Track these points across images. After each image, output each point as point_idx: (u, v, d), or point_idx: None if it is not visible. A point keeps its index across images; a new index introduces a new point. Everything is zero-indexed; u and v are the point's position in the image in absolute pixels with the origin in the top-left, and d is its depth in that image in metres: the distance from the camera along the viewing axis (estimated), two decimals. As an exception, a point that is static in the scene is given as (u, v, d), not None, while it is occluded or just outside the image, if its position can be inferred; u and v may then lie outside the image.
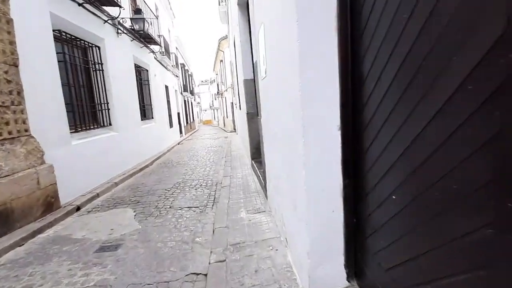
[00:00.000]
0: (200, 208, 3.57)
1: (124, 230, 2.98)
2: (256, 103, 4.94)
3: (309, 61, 1.36)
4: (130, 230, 2.97)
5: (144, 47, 8.29)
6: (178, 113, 15.26)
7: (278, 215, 2.48)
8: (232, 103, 17.04)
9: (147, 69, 8.84)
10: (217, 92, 26.93)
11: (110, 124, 5.69)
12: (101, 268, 2.19)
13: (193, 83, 29.37)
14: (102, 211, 3.70)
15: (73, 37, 4.69)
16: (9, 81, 3.16)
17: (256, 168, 4.49)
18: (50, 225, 3.28)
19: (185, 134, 17.01)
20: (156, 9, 11.73)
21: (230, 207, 3.32)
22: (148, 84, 8.88)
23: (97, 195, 4.39)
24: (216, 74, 28.04)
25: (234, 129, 17.91)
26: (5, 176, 2.95)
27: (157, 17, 9.17)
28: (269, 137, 2.65)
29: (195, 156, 8.00)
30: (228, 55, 15.89)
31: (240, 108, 7.74)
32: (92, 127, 5.06)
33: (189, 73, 24.74)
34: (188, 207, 3.61)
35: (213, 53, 23.54)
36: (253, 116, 5.10)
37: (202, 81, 46.12)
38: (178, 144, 12.04)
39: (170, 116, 12.36)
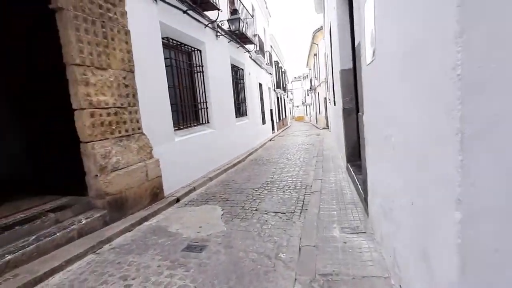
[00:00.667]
0: (286, 215, 3.25)
1: (211, 230, 2.97)
2: (356, 97, 4.22)
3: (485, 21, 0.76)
4: (216, 231, 2.93)
5: (240, 47, 8.59)
6: (271, 110, 15.51)
7: (387, 246, 1.88)
8: (326, 98, 16.08)
9: (243, 68, 9.17)
10: (310, 88, 26.18)
11: (208, 122, 6.08)
12: (184, 271, 2.16)
13: (286, 79, 29.55)
14: (196, 206, 3.89)
15: (178, 43, 5.16)
16: (126, 86, 3.64)
17: (353, 174, 3.83)
18: (155, 213, 3.64)
19: (277, 131, 17.20)
20: (253, 9, 12.10)
21: (320, 219, 2.86)
22: (243, 83, 9.22)
23: (194, 189, 4.71)
24: (309, 69, 27.28)
25: (327, 126, 16.91)
26: (121, 169, 3.41)
27: (252, 17, 9.40)
28: (377, 141, 2.04)
29: (285, 154, 7.80)
30: (323, 47, 15.01)
31: (334, 103, 7.02)
32: (192, 124, 5.51)
33: (283, 70, 24.93)
34: (274, 212, 3.35)
35: (307, 49, 22.91)
36: (351, 112, 4.40)
37: (295, 77, 46.02)
38: (270, 140, 12.19)
39: (263, 113, 12.64)
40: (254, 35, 11.39)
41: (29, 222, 2.75)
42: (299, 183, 4.62)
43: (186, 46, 5.45)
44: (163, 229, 3.13)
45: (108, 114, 3.31)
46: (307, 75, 33.89)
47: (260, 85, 12.57)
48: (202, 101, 5.94)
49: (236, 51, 8.25)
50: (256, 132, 10.22)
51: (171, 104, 4.68)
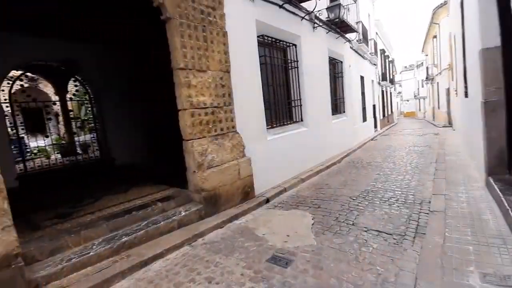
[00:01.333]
0: (394, 237, 2.61)
1: (299, 241, 2.68)
2: (507, 86, 3.04)
3: None
4: (305, 243, 2.62)
5: (340, 38, 7.84)
6: (374, 106, 13.79)
7: None
8: (449, 89, 13.01)
9: (342, 60, 8.37)
10: (426, 77, 22.01)
11: (302, 120, 5.78)
12: None
13: (394, 70, 25.80)
14: (285, 209, 3.68)
15: (273, 39, 5.04)
16: (223, 86, 3.76)
17: (499, 193, 2.74)
18: (245, 213, 3.64)
19: (381, 129, 15.19)
20: (356, -6, 10.91)
21: (446, 254, 2.12)
22: (342, 77, 8.41)
23: (285, 190, 4.53)
24: (426, 55, 22.88)
25: (449, 123, 13.76)
26: (216, 166, 3.54)
27: (355, 1, 8.42)
28: None
29: (391, 157, 6.65)
30: (446, 26, 12.15)
31: (466, 95, 5.45)
32: (285, 123, 5.33)
33: (390, 59, 21.83)
34: (377, 232, 2.76)
35: (423, 32, 19.22)
36: (497, 107, 3.20)
37: (405, 67, 39.79)
38: (372, 140, 10.82)
39: (364, 109, 11.35)
40: (357, 23, 10.27)
41: (143, 209, 3.19)
42: (410, 196, 3.74)
43: (281, 42, 5.29)
44: (250, 231, 3.06)
45: (206, 114, 3.47)
46: (422, 63, 28.67)
47: (362, 78, 11.28)
48: (296, 98, 5.68)
49: (334, 42, 7.57)
50: (354, 130, 9.21)
51: (264, 102, 4.62)
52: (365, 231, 2.80)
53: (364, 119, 11.36)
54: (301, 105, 5.74)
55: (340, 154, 7.34)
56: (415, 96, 35.22)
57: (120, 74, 6.22)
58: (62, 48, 5.47)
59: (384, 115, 18.54)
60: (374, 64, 14.22)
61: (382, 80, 17.35)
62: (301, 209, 3.61)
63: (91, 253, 2.43)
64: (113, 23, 4.60)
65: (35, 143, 8.27)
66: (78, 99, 7.39)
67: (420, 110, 32.20)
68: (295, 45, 5.61)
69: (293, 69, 5.63)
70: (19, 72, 6.18)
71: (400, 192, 3.91)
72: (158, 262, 2.51)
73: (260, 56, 4.58)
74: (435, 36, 16.78)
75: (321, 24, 6.39)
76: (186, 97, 3.25)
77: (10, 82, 5.74)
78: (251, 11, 4.29)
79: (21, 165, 5.82)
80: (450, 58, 10.69)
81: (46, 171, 5.98)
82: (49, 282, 2.17)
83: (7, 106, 5.49)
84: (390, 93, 23.30)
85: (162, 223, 2.98)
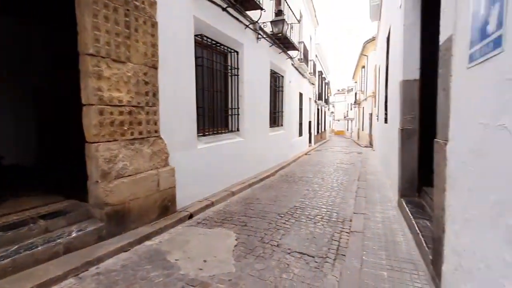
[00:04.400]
0: (316, 260, 2.49)
1: (217, 268, 2.34)
2: (421, 115, 3.32)
3: None
4: (222, 271, 2.30)
5: (282, 53, 8.02)
6: (310, 122, 14.63)
7: None
8: (371, 114, 14.72)
9: (283, 75, 8.57)
10: (354, 102, 24.65)
11: (238, 130, 5.55)
12: None
13: (328, 91, 28.28)
14: (208, 227, 3.31)
15: (214, 42, 4.74)
16: (146, 83, 3.24)
17: (410, 216, 2.91)
18: (160, 231, 3.13)
19: (314, 144, 16.19)
20: (301, 15, 11.52)
21: (363, 281, 2.06)
22: (282, 91, 8.60)
23: (212, 204, 4.16)
24: (355, 82, 25.75)
25: (370, 144, 15.47)
26: (128, 176, 2.98)
27: (299, 22, 8.80)
28: (484, 191, 1.24)
29: (321, 173, 6.93)
30: (373, 59, 13.81)
31: (385, 121, 6.03)
32: (220, 131, 5.01)
33: (326, 81, 23.84)
34: (300, 254, 2.62)
35: (354, 61, 21.62)
36: (411, 134, 3.49)
37: (338, 90, 44.23)
38: (306, 154, 11.33)
39: (300, 124, 11.87)
40: (299, 42, 10.78)
41: (15, 228, 2.41)
42: (334, 213, 3.80)
43: (222, 47, 5.02)
44: (162, 255, 2.59)
45: (121, 113, 2.91)
46: (352, 88, 32.18)
47: (301, 94, 11.84)
48: (234, 106, 5.44)
49: (277, 56, 7.69)
50: (290, 144, 9.48)
51: (198, 107, 4.24)
52: (289, 253, 2.63)
53: (300, 134, 11.87)
54: (238, 114, 5.52)
55: (275, 167, 7.36)
56: (344, 117, 39.26)
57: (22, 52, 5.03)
58: None
59: (318, 132, 19.93)
60: (312, 84, 15.19)
61: (318, 99, 18.70)
62: (226, 227, 3.29)
63: None
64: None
65: None
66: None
67: (348, 130, 35.93)
68: (237, 52, 5.41)
69: (233, 76, 5.40)
70: None
71: (325, 210, 3.95)
72: (21, 306, 1.85)
73: (197, 57, 4.21)
74: (363, 66, 18.99)
75: (265, 36, 6.38)
76: (94, 90, 2.65)
77: None
78: (189, 6, 3.91)
79: None
80: (374, 87, 12.09)
81: None
82: None
83: None
84: (325, 112, 25.36)
85: (40, 247, 2.28)
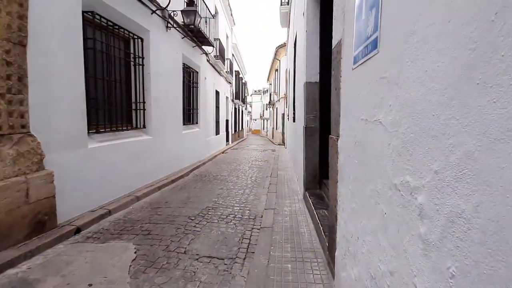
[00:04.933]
0: (225, 262, 2.39)
1: (105, 291, 1.95)
2: (321, 115, 3.64)
3: None
4: (113, 294, 1.92)
5: (197, 48, 7.70)
6: (227, 121, 14.70)
7: None
8: (284, 114, 15.91)
9: (198, 71, 8.25)
10: (269, 102, 26.21)
11: (144, 127, 4.97)
12: None
13: (246, 91, 29.22)
14: (101, 242, 2.78)
15: (110, 23, 4.07)
16: (8, 63, 2.48)
17: (312, 207, 3.15)
18: (30, 254, 2.44)
19: (232, 143, 16.39)
20: (216, 11, 11.37)
21: (269, 277, 2.06)
22: (197, 87, 8.26)
23: (109, 213, 3.56)
24: (270, 84, 27.42)
25: (283, 142, 16.71)
26: (-27, 186, 2.19)
27: (213, 17, 8.61)
28: (364, 181, 1.34)
29: (236, 171, 6.97)
30: (285, 63, 14.92)
31: (294, 120, 6.51)
32: (121, 128, 4.36)
33: (243, 81, 24.51)
34: (209, 258, 2.46)
35: (269, 64, 22.98)
36: (314, 132, 3.81)
37: (255, 91, 46.28)
38: (223, 153, 11.29)
39: (217, 122, 11.75)
40: (215, 39, 10.63)
41: None
42: (247, 211, 3.81)
43: (122, 30, 4.37)
44: (29, 286, 2.00)
45: (-41, 100, 2.11)
46: (267, 90, 34.16)
47: (217, 92, 11.72)
48: (139, 100, 4.84)
49: (191, 50, 7.33)
50: (207, 143, 9.24)
51: (90, 98, 3.56)
52: (197, 259, 2.44)
53: (217, 132, 11.76)
54: (145, 109, 4.95)
55: (190, 167, 6.99)
56: (260, 116, 41.40)
57: None
58: None
59: (235, 130, 20.30)
60: (230, 83, 15.31)
61: (236, 99, 19.03)
62: (124, 239, 2.84)
63: None
64: None
65: None
66: None
67: (264, 129, 38.04)
68: (142, 39, 4.84)
69: (138, 66, 4.80)
70: None
71: (238, 208, 3.92)
72: None
73: (88, 38, 3.52)
74: (277, 70, 20.35)
75: (175, 26, 5.93)
76: None
77: None
78: (75, -25, 3.21)
79: None
80: (286, 89, 13.04)
81: None
82: None
83: None
84: (242, 111, 26.07)
85: None
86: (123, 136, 4.34)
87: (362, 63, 1.37)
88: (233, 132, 17.83)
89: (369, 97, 1.26)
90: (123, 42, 4.57)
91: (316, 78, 3.67)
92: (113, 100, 4.22)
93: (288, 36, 10.69)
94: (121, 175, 4.13)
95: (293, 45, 6.69)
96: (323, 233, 2.47)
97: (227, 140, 14.81)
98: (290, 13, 8.30)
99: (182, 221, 3.35)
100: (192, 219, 3.42)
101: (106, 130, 4.01)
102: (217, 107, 11.79)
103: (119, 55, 4.37)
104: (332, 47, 2.01)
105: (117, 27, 4.22)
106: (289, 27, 9.50)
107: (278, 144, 16.54)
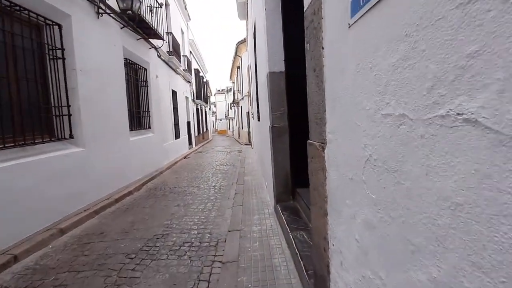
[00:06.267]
0: (169, 334, 1.62)
1: None
2: (289, 111, 3.01)
3: None
4: None
5: (142, 41, 6.66)
6: (188, 123, 13.63)
7: None
8: (248, 112, 15.27)
9: (146, 68, 7.19)
10: (233, 101, 25.42)
11: (72, 137, 3.93)
12: None
13: (208, 91, 28.05)
14: (-21, 319, 1.84)
15: (7, 2, 3.01)
16: None
17: (288, 230, 2.49)
18: None
19: (196, 146, 15.34)
20: (167, 3, 10.29)
21: None
22: (147, 86, 7.21)
23: (14, 260, 2.57)
24: (233, 83, 26.63)
25: (249, 141, 16.09)
26: None
27: (160, 6, 7.59)
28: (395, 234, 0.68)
29: (197, 179, 6.13)
30: (246, 59, 14.26)
31: (258, 119, 5.86)
32: (34, 141, 3.30)
33: (204, 80, 23.36)
34: (146, 328, 1.67)
35: (231, 62, 22.17)
36: (282, 132, 3.17)
37: (219, 90, 45.14)
38: (185, 158, 10.31)
39: (177, 125, 10.69)
40: (168, 33, 9.58)
41: None
42: (207, 235, 3.05)
43: (27, 12, 3.31)
44: None
45: None
46: (231, 89, 33.34)
47: (174, 92, 10.67)
48: (61, 104, 3.80)
49: (135, 43, 6.28)
50: (164, 149, 8.22)
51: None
52: (127, 333, 1.64)
53: (177, 136, 10.71)
54: (70, 115, 3.91)
55: (142, 179, 6.00)
56: (226, 116, 40.41)
57: None
58: None
59: (199, 132, 19.20)
60: (189, 82, 14.23)
61: (197, 99, 17.93)
62: (20, 308, 1.92)
63: None
64: None
65: None
66: None
67: (230, 128, 37.15)
68: (60, 26, 3.79)
69: (56, 60, 3.75)
70: None
71: (196, 232, 3.15)
72: None
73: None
74: (239, 67, 19.62)
75: (110, 12, 4.91)
76: None
77: None
78: None
79: None
80: (249, 86, 12.40)
81: None
82: None
83: None
84: (205, 112, 24.94)
85: None
86: (38, 151, 3.30)
87: (372, 7, 0.71)
88: (196, 134, 16.76)
89: (404, 71, 0.60)
90: (32, 29, 3.50)
91: (281, 66, 3.03)
92: (20, 103, 3.16)
93: (247, 28, 10.03)
94: (37, 204, 3.11)
95: (252, 36, 6.03)
96: (304, 271, 1.83)
97: (190, 143, 13.75)
98: (247, 2, 7.62)
99: (117, 263, 2.49)
100: (132, 258, 2.58)
101: (12, 144, 2.95)
102: (175, 109, 10.73)
103: (26, 46, 3.30)
104: (305, 9, 1.35)
105: (17, 7, 3.16)
106: (247, 19, 8.84)
107: (245, 144, 15.88)
